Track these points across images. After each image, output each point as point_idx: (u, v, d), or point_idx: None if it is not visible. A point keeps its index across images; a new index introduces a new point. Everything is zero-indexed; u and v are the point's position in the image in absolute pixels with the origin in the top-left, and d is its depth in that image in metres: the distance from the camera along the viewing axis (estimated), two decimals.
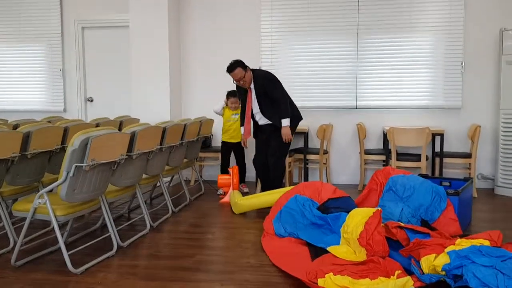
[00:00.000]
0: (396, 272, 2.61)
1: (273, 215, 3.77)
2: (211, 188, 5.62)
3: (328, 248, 3.08)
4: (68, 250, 3.01)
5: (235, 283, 2.81)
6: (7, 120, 5.08)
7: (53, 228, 3.02)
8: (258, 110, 4.80)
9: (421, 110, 5.80)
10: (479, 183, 5.70)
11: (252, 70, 4.78)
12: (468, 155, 5.29)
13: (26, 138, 3.41)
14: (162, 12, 5.79)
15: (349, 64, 5.90)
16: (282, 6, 5.98)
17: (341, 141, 6.01)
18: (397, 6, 5.74)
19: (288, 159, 5.28)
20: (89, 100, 6.68)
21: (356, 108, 5.91)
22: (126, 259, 3.23)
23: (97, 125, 4.64)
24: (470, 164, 5.31)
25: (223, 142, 5.62)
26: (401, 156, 5.28)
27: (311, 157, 5.55)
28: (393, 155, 5.17)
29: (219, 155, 5.85)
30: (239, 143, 5.46)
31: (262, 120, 4.84)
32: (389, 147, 5.29)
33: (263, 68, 5.54)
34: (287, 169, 5.31)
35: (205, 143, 5.88)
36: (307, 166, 5.58)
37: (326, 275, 2.58)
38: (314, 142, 5.95)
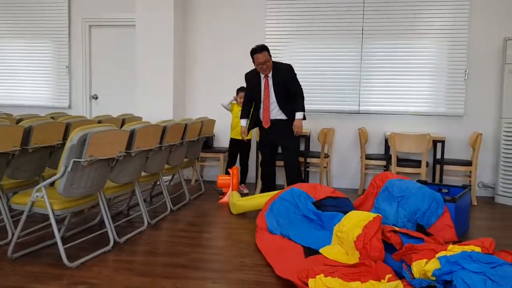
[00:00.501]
0: (387, 276, 2.62)
1: (266, 208, 3.81)
2: (211, 188, 5.65)
3: (321, 250, 3.10)
4: (65, 244, 3.06)
5: (227, 282, 2.83)
6: (12, 115, 5.14)
7: None
8: (275, 99, 4.72)
9: (423, 117, 5.81)
10: (480, 191, 5.69)
11: (273, 61, 4.74)
12: (469, 163, 5.28)
13: (28, 132, 3.46)
14: (168, 12, 5.85)
15: (352, 69, 5.92)
16: (287, 10, 6.01)
17: (343, 145, 6.02)
18: (402, 13, 5.75)
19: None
20: (94, 98, 6.75)
21: (359, 113, 5.93)
22: (122, 254, 3.27)
23: (99, 122, 4.68)
24: (470, 172, 5.30)
25: (231, 139, 5.64)
26: (402, 162, 5.29)
27: (312, 160, 5.57)
28: (393, 161, 5.17)
29: (220, 155, 5.89)
30: (246, 141, 5.50)
31: (274, 112, 4.75)
32: (390, 153, 5.30)
33: None
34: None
35: (207, 144, 5.91)
36: (307, 169, 5.60)
37: (317, 276, 2.59)
38: (315, 146, 5.97)
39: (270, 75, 4.72)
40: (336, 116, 6.00)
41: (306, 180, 5.56)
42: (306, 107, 5.85)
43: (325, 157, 5.64)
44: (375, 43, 5.84)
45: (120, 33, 6.56)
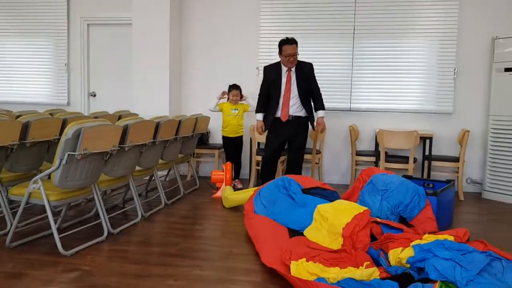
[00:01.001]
0: (365, 263, 2.76)
1: (255, 194, 3.97)
2: (205, 184, 5.79)
3: (304, 232, 3.24)
4: (60, 234, 3.21)
5: (214, 269, 2.98)
6: (12, 111, 5.29)
7: None
8: (297, 93, 4.73)
9: (413, 114, 5.94)
10: (468, 187, 5.82)
11: None
12: (456, 159, 5.41)
13: (26, 127, 3.61)
14: (164, 11, 5.98)
15: (344, 67, 6.05)
16: (280, 9, 6.15)
17: (334, 142, 6.16)
18: (393, 12, 5.88)
19: (281, 158, 5.43)
20: (92, 95, 6.89)
21: (350, 110, 6.06)
22: (115, 244, 3.41)
23: (96, 118, 4.82)
24: (458, 168, 5.43)
25: (223, 137, 5.75)
26: (390, 158, 5.42)
27: (304, 156, 5.68)
28: (382, 157, 5.31)
29: (215, 152, 6.02)
30: (238, 138, 5.63)
31: (294, 108, 4.73)
32: (379, 149, 5.43)
33: (259, 69, 5.71)
34: (280, 168, 5.46)
35: (202, 140, 6.05)
36: None
37: (299, 260, 2.73)
38: (307, 142, 6.06)
39: (293, 69, 4.75)
40: (328, 113, 6.08)
41: None
42: None
43: (317, 153, 5.78)
44: (367, 42, 5.97)
45: (118, 31, 6.70)
